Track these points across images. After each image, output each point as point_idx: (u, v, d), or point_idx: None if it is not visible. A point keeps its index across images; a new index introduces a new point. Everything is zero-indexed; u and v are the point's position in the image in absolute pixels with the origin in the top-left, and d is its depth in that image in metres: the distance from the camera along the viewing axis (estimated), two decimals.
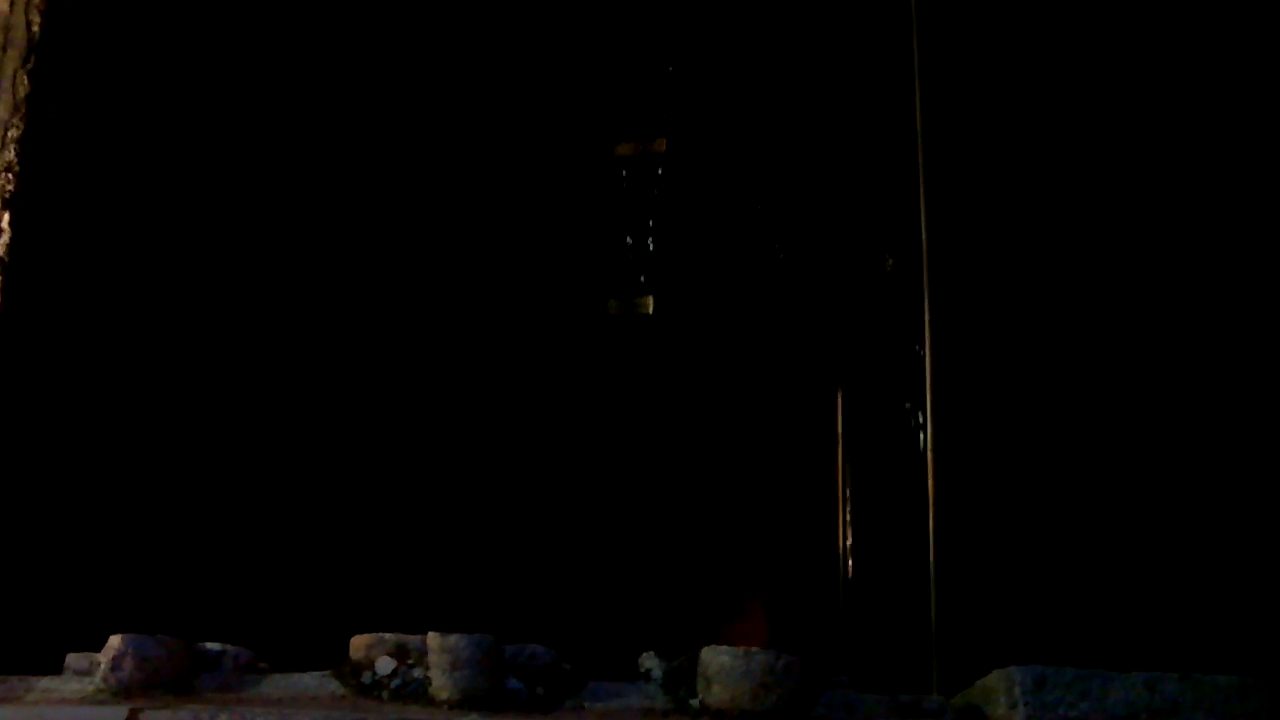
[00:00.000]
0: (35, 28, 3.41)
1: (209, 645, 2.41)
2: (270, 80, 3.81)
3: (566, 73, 3.88)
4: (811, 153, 3.68)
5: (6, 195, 3.28)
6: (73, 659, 2.43)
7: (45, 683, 2.39)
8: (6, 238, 3.25)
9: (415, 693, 2.25)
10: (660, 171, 3.81)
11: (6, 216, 3.25)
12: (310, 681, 2.34)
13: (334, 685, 2.31)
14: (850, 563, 3.20)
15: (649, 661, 2.36)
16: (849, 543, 3.21)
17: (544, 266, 3.78)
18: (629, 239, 3.79)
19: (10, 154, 3.30)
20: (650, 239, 3.78)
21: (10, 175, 3.29)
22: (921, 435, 3.16)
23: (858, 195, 3.53)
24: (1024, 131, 3.37)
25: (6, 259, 3.24)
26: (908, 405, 3.23)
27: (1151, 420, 3.12)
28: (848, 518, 3.23)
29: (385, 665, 2.29)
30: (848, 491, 3.25)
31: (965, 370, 3.20)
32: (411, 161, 3.88)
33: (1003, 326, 3.21)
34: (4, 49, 3.38)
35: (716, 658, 2.25)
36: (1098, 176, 3.32)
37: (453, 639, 2.25)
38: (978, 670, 2.32)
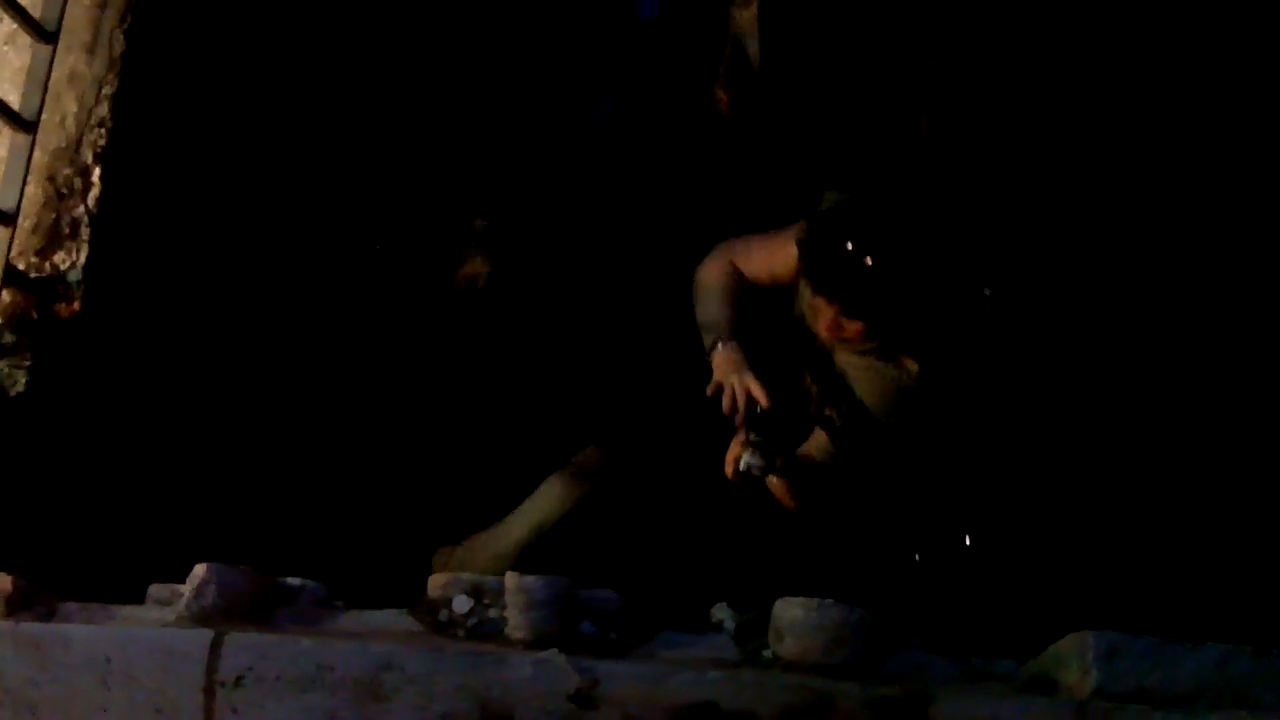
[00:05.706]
0: None
1: (288, 579, 2.44)
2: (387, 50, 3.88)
3: None
4: None
5: (99, 149, 3.36)
6: (155, 589, 2.47)
7: (127, 610, 2.44)
8: (97, 191, 3.33)
9: (491, 631, 2.28)
10: None
11: (98, 170, 3.33)
12: (386, 618, 2.37)
13: (409, 622, 2.34)
14: (925, 524, 3.19)
15: (721, 613, 2.38)
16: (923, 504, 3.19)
17: None
18: None
19: (104, 110, 3.39)
20: None
21: (103, 130, 3.37)
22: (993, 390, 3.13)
23: None
24: None
25: (96, 211, 3.32)
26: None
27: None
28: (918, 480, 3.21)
29: (462, 604, 2.32)
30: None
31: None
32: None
33: None
34: (103, 8, 3.47)
35: (789, 610, 2.27)
36: None
37: (529, 579, 2.28)
38: (1050, 635, 2.31)
